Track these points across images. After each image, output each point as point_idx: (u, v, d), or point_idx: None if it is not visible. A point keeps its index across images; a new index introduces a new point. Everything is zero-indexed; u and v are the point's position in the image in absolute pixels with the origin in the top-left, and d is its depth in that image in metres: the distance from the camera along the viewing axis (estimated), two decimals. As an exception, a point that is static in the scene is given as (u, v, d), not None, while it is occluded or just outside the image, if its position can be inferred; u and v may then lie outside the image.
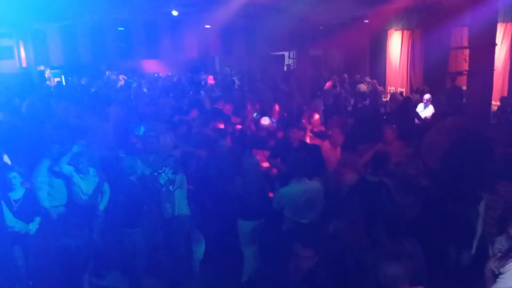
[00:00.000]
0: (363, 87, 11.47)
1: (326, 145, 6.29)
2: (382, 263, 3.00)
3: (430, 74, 11.84)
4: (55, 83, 14.80)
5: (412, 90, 12.47)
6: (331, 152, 6.16)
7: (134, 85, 13.16)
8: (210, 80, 14.70)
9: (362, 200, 4.45)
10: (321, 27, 14.52)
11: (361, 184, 4.69)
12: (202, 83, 13.96)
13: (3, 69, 13.03)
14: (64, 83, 15.03)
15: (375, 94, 10.81)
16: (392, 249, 3.05)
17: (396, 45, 13.45)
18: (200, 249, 5.37)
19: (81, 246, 4.42)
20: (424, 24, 11.83)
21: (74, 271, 4.00)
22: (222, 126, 7.45)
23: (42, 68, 14.73)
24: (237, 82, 13.99)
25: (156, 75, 16.33)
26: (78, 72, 15.32)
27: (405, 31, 13.05)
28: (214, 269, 5.36)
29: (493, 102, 8.58)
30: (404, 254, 3.01)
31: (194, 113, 8.25)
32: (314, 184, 4.63)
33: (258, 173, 5.21)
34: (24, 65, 13.75)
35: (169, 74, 16.95)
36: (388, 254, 3.02)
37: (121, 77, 14.99)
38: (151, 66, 18.21)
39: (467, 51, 8.57)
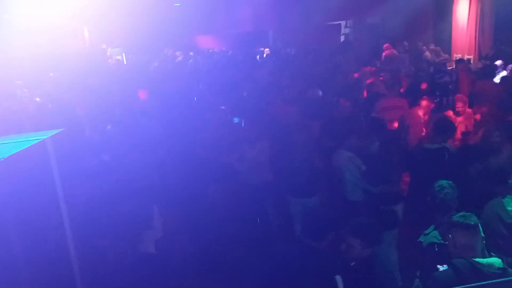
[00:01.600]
0: (428, 54, 10.85)
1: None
2: (452, 233, 2.87)
3: (501, 39, 10.99)
4: (115, 61, 15.36)
5: (480, 57, 11.65)
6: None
7: (191, 61, 13.34)
8: (267, 52, 14.57)
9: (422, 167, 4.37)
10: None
11: (420, 151, 4.58)
12: (257, 57, 13.85)
13: (69, 48, 13.68)
14: (124, 62, 15.54)
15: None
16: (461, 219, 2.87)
17: (463, 8, 12.52)
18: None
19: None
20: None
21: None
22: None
23: (104, 46, 15.32)
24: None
25: (210, 50, 16.45)
26: (137, 50, 15.77)
27: (474, -7, 12.12)
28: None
29: None
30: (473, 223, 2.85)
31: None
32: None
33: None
34: (87, 44, 14.37)
35: (223, 49, 17.01)
36: (457, 224, 2.87)
37: (178, 53, 15.25)
38: (206, 42, 18.36)
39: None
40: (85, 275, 2.89)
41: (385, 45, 12.16)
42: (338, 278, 2.80)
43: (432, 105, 6.47)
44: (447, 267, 2.92)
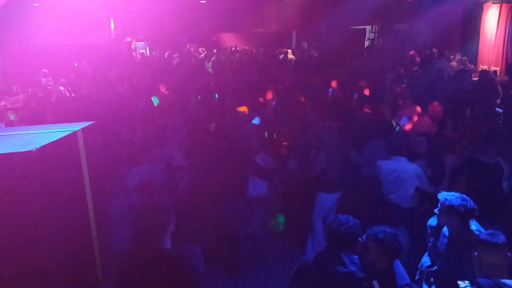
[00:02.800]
0: (454, 64, 10.67)
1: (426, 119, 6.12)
2: (480, 251, 2.81)
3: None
4: (140, 55, 15.52)
5: (507, 69, 11.40)
6: (430, 127, 5.92)
7: (214, 58, 13.38)
8: (290, 54, 14.52)
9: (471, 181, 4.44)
10: (408, -1, 13.67)
11: (473, 163, 4.59)
12: (281, 57, 13.82)
13: (95, 38, 13.86)
14: (148, 55, 15.70)
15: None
16: (489, 237, 2.81)
17: (492, 19, 12.28)
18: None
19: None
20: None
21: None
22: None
23: (128, 39, 15.48)
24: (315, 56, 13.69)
25: (233, 48, 16.50)
26: (161, 45, 15.91)
27: (504, 5, 11.86)
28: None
29: None
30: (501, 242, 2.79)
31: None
32: (408, 166, 4.61)
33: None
34: (113, 36, 14.54)
35: (246, 48, 17.03)
36: (485, 242, 2.81)
37: (200, 49, 15.32)
38: (230, 40, 18.41)
39: None
40: (107, 266, 2.92)
41: (411, 52, 12.02)
42: (375, 283, 2.77)
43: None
44: (469, 284, 2.86)
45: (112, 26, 14.38)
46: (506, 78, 10.12)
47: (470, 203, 3.31)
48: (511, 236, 4.30)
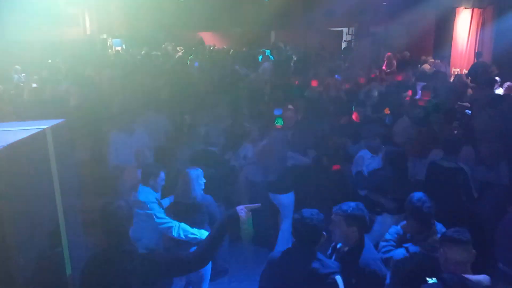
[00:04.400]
0: (426, 67, 10.90)
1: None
2: (445, 248, 2.90)
3: (499, 56, 11.07)
4: (115, 52, 15.28)
5: (469, 72, 11.73)
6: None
7: (191, 56, 13.30)
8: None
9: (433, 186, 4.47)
10: (384, 2, 13.88)
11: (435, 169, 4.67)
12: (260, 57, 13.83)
13: (69, 35, 13.59)
14: (124, 52, 15.47)
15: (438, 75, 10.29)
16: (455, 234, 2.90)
17: (464, 24, 12.62)
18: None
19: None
20: (497, 2, 11.01)
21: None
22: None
23: (104, 36, 15.23)
24: (294, 58, 13.76)
25: (211, 47, 16.43)
26: (138, 42, 15.71)
27: (475, 9, 12.21)
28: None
29: None
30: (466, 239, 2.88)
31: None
32: None
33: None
34: (88, 32, 14.28)
35: (224, 47, 16.99)
36: (450, 239, 2.90)
37: (178, 48, 15.21)
38: (208, 39, 18.33)
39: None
40: (77, 265, 2.88)
41: (387, 55, 12.22)
42: (338, 278, 2.82)
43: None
44: (435, 280, 2.94)
45: (88, 22, 14.13)
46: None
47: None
48: (477, 236, 4.49)
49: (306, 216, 2.94)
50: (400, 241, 3.58)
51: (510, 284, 3.70)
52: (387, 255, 3.48)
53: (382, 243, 3.64)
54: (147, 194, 4.05)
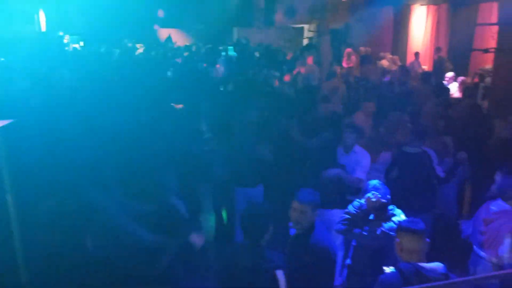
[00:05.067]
0: (384, 63, 11.22)
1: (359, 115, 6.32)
2: (401, 237, 3.00)
3: (454, 51, 11.54)
4: (72, 50, 14.82)
5: (434, 68, 12.15)
6: (365, 122, 6.11)
7: (153, 53, 13.09)
8: (231, 51, 14.52)
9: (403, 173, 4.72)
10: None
11: (402, 156, 4.86)
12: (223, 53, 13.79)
13: (23, 33, 13.06)
14: (82, 50, 15.02)
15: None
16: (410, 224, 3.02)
17: (420, 20, 13.06)
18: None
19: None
20: (451, -1, 11.49)
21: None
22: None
23: (61, 34, 14.73)
24: (257, 54, 13.80)
25: (174, 45, 16.22)
26: (97, 39, 15.28)
27: (430, 6, 12.65)
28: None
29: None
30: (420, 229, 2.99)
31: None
32: None
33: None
34: (43, 30, 13.78)
35: (187, 44, 16.81)
36: (406, 229, 3.00)
37: (138, 45, 14.92)
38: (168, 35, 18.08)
39: (495, 28, 8.29)
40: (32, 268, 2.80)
41: (347, 50, 12.46)
42: (279, 272, 2.86)
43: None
44: (394, 269, 3.04)
45: (43, 19, 13.62)
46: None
47: None
48: (442, 221, 4.68)
49: (252, 209, 2.97)
50: (361, 218, 3.79)
51: (486, 267, 3.87)
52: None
53: (342, 215, 3.88)
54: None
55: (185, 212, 4.07)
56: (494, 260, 3.70)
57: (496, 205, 3.82)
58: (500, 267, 3.61)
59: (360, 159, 4.87)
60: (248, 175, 5.25)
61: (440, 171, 4.90)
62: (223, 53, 13.68)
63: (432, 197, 4.75)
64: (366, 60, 11.90)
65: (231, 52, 14.27)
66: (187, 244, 3.89)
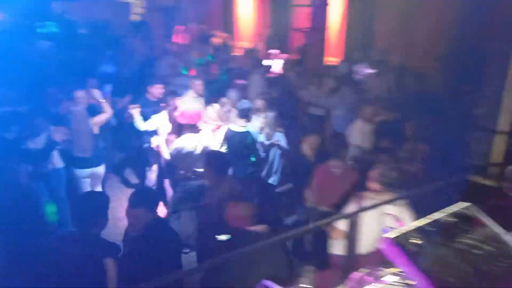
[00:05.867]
0: (216, 40, 11.49)
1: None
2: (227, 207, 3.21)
3: (276, 30, 12.42)
4: None
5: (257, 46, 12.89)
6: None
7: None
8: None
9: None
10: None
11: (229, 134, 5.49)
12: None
13: None
14: None
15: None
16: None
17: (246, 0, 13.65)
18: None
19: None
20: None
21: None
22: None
23: None
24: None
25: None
26: None
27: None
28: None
29: (331, 59, 9.55)
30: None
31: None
32: None
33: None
34: None
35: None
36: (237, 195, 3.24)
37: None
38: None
39: (309, 9, 9.20)
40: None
41: (177, 28, 12.34)
42: (109, 260, 2.83)
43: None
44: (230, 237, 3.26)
45: None
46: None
47: None
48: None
49: (85, 198, 2.87)
50: None
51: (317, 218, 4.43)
52: None
53: None
54: None
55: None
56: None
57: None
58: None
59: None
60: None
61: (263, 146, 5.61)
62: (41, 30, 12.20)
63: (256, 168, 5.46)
64: (198, 38, 12.03)
65: (51, 29, 12.78)
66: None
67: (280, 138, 5.76)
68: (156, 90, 6.51)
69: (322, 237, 4.12)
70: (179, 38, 12.15)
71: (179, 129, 5.49)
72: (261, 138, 5.67)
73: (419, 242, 1.73)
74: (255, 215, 3.22)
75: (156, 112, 6.12)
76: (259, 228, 3.22)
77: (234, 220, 3.14)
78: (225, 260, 2.92)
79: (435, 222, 1.86)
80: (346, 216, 3.55)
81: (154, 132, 6.03)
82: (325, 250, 4.00)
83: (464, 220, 1.90)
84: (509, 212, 2.39)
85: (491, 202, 4.33)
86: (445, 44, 7.08)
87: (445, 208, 1.96)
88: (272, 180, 5.84)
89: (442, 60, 7.15)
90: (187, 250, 5.13)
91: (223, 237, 3.29)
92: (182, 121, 5.24)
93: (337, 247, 3.82)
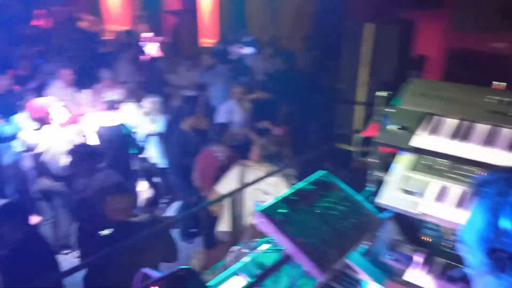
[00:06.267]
0: (82, 23, 10.68)
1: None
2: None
3: (149, 13, 12.02)
4: None
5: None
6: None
7: None
8: None
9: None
10: None
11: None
12: None
13: None
14: None
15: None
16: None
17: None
18: None
19: None
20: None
21: None
22: None
23: None
24: None
25: None
26: None
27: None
28: None
29: (207, 40, 9.64)
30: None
31: None
32: None
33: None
34: None
35: None
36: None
37: None
38: None
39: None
40: None
41: (37, 12, 11.21)
42: None
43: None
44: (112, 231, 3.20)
45: None
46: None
47: None
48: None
49: None
50: None
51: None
52: None
53: None
54: None
55: None
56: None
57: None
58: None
59: None
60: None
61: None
62: None
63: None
64: (65, 21, 11.03)
65: None
66: None
67: (161, 122, 5.69)
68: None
69: (208, 218, 4.25)
70: (40, 21, 11.06)
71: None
72: (138, 127, 5.52)
73: (285, 211, 1.90)
74: (135, 206, 3.22)
75: (15, 111, 5.33)
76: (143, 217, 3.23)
77: (113, 213, 3.09)
78: (107, 254, 2.89)
79: (298, 191, 2.05)
80: (229, 195, 3.75)
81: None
82: (211, 229, 4.14)
83: (322, 187, 2.14)
84: (360, 174, 2.73)
85: (352, 166, 4.93)
86: (309, 25, 7.61)
87: (306, 178, 2.18)
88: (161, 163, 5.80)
89: (307, 40, 7.70)
90: (68, 251, 4.87)
91: (105, 232, 3.23)
92: (32, 115, 4.69)
93: (222, 225, 3.99)
